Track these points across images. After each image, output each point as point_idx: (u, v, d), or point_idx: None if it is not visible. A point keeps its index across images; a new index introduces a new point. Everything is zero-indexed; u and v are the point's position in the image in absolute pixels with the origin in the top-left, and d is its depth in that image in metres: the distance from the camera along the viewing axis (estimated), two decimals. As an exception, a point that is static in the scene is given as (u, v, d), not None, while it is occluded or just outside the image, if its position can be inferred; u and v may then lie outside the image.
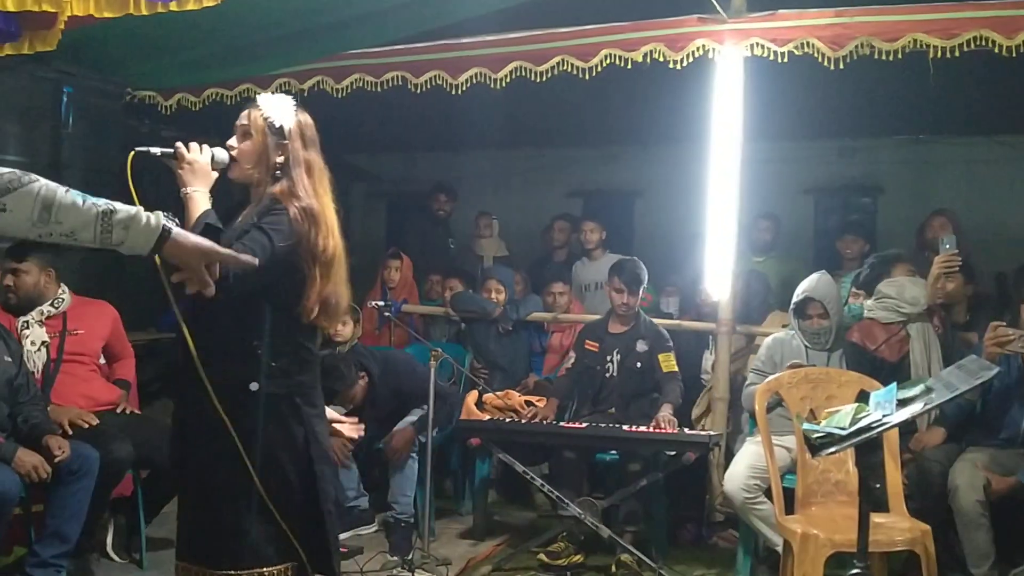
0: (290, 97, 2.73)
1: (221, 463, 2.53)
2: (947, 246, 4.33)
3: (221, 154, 2.61)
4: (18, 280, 4.24)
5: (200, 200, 2.51)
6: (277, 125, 2.61)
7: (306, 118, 2.70)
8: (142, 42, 4.80)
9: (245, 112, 2.66)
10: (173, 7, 3.81)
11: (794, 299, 4.49)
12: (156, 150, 2.52)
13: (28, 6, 3.80)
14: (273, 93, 5.22)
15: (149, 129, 6.23)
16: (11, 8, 3.80)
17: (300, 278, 2.55)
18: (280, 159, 2.61)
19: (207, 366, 2.47)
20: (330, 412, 2.86)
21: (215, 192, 2.59)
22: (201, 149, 2.57)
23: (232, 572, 2.55)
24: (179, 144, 2.56)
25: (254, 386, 2.53)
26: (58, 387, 4.22)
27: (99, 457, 3.87)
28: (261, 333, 2.54)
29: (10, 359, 3.93)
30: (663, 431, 4.48)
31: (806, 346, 4.43)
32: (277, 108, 2.65)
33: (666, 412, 4.63)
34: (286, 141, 2.62)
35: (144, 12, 3.81)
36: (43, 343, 4.23)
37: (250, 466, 2.51)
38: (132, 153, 2.44)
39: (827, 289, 4.44)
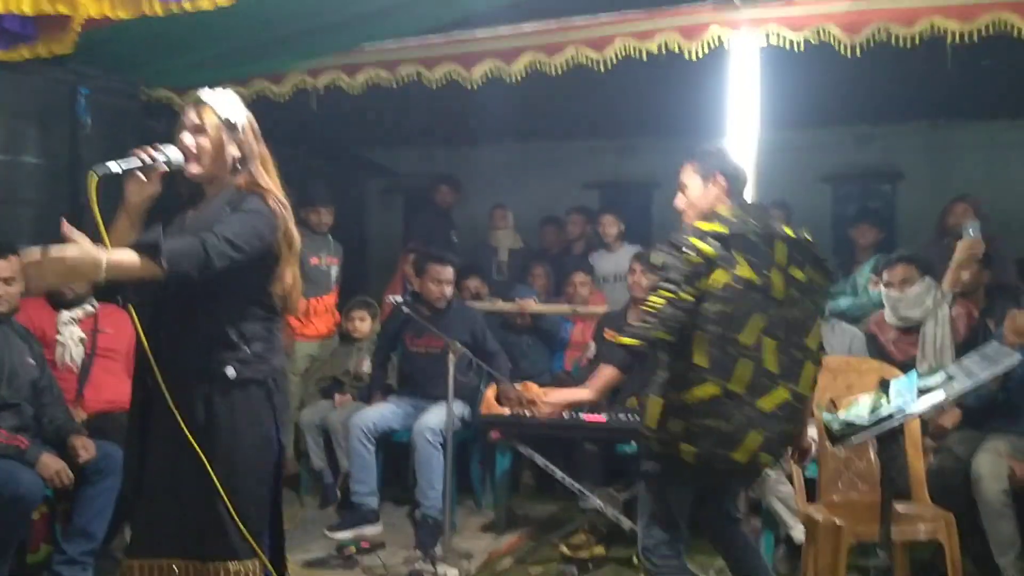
0: (234, 93, 2.74)
1: (195, 453, 2.50)
2: (971, 233, 4.28)
3: (176, 154, 2.61)
4: None
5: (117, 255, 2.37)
6: (232, 121, 2.65)
7: (250, 113, 2.73)
8: (157, 42, 4.81)
9: (193, 110, 2.66)
10: (187, 6, 3.84)
11: None
12: (116, 167, 2.51)
13: (44, 9, 3.83)
14: (288, 90, 5.37)
15: (165, 128, 6.24)
16: (27, 11, 3.83)
17: (274, 264, 2.61)
18: (236, 153, 2.65)
19: (180, 353, 2.51)
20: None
21: (164, 193, 2.64)
22: (158, 149, 2.58)
23: (218, 563, 2.55)
24: (138, 151, 2.57)
25: (230, 371, 2.55)
26: (92, 381, 4.30)
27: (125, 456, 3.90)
28: (235, 319, 2.57)
29: (33, 361, 3.97)
30: None
31: None
32: (227, 104, 2.67)
33: None
34: (240, 135, 2.66)
35: (158, 12, 3.84)
36: (80, 339, 4.30)
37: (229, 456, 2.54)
38: (95, 178, 2.44)
39: None
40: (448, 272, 5.30)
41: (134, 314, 2.53)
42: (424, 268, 5.41)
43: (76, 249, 2.24)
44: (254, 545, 2.56)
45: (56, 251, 2.22)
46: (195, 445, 2.47)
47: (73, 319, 4.34)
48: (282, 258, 2.62)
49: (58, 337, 4.28)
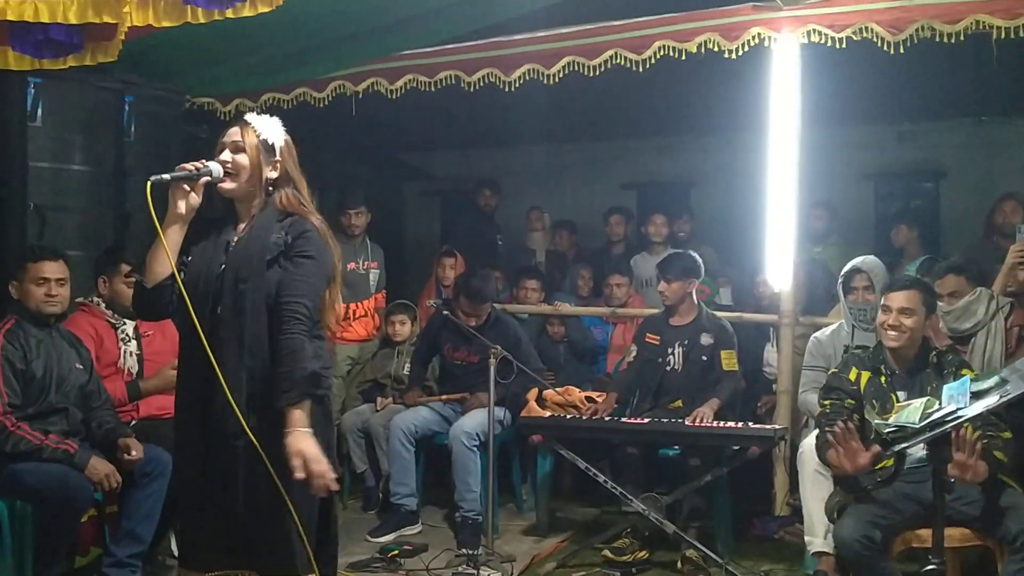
0: (276, 118, 2.80)
1: (252, 468, 2.54)
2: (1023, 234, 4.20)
3: (218, 169, 2.67)
4: None
5: None
6: (270, 142, 2.71)
7: (289, 138, 2.79)
8: (200, 50, 4.86)
9: (235, 129, 2.73)
10: (229, 14, 3.86)
11: (841, 273, 4.49)
12: (167, 176, 2.61)
13: (89, 18, 3.88)
14: (328, 95, 5.40)
15: (208, 135, 6.31)
16: (73, 21, 3.89)
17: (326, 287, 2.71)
18: (273, 175, 2.71)
19: (238, 375, 2.55)
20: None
21: (201, 205, 2.70)
22: (204, 164, 2.65)
23: None
24: (185, 165, 2.65)
25: None
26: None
27: (172, 461, 3.94)
28: None
29: (81, 366, 4.03)
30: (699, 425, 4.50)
31: (853, 326, 4.37)
32: (268, 126, 2.74)
33: (706, 408, 4.62)
34: (277, 158, 2.72)
35: (201, 20, 3.87)
36: (137, 352, 4.38)
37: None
38: (149, 184, 2.54)
39: (874, 264, 4.45)
40: (483, 308, 5.27)
41: (202, 334, 2.56)
42: (458, 295, 5.42)
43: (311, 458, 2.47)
44: (311, 559, 2.58)
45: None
46: (268, 466, 2.50)
47: (132, 332, 4.41)
48: (332, 281, 2.72)
49: (124, 347, 4.35)
